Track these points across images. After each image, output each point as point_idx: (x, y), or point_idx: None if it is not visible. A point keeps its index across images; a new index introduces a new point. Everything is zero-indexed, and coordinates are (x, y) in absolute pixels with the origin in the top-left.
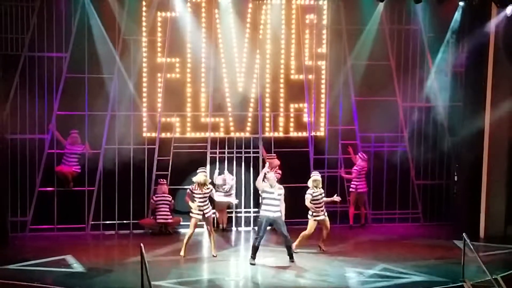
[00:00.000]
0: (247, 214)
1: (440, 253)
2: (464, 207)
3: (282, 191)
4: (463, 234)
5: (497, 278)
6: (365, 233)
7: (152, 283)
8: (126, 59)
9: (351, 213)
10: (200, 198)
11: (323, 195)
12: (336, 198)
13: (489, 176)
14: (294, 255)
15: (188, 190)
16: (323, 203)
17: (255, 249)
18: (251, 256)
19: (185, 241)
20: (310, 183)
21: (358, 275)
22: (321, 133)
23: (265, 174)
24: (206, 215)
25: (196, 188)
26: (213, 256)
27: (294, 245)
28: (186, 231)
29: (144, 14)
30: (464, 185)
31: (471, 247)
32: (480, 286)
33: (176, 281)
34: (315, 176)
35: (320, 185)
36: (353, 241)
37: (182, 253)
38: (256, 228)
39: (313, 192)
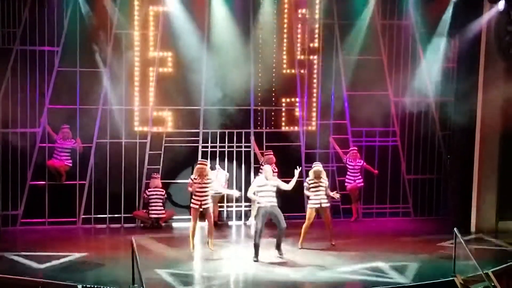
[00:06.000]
0: (238, 208)
1: (431, 248)
2: (455, 202)
3: (276, 183)
4: (454, 228)
5: (488, 273)
6: (356, 227)
7: (143, 276)
8: (118, 53)
9: (354, 208)
10: (199, 188)
11: (323, 185)
12: (335, 194)
13: (480, 171)
14: (283, 250)
15: (189, 180)
16: (322, 193)
17: (256, 247)
18: (255, 254)
19: (190, 235)
20: (310, 173)
21: (349, 270)
22: (312, 127)
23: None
24: (203, 206)
25: (196, 178)
26: (210, 250)
27: (299, 242)
28: (178, 225)
29: (136, 8)
30: (455, 179)
31: (462, 242)
32: (471, 281)
33: (167, 274)
34: (315, 167)
35: (322, 175)
36: (344, 235)
37: (191, 248)
38: (246, 222)
39: (309, 180)
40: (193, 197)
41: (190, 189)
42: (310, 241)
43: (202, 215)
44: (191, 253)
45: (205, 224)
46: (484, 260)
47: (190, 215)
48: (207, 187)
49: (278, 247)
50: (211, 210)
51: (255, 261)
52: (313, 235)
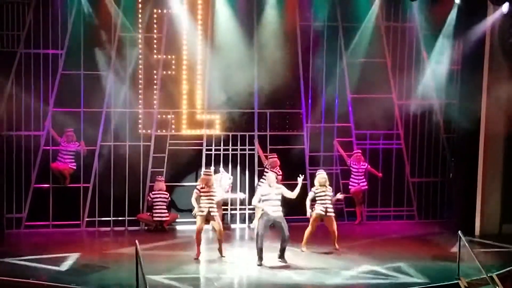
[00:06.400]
0: (242, 212)
1: (435, 251)
2: (460, 205)
3: (280, 190)
4: (459, 231)
5: (492, 276)
6: (360, 230)
7: (147, 279)
8: (122, 56)
9: (358, 211)
10: (206, 197)
11: (328, 192)
12: (339, 196)
13: (484, 174)
14: (286, 254)
15: (195, 190)
16: (328, 201)
17: (259, 251)
18: (258, 258)
19: (196, 241)
20: (316, 182)
21: (352, 273)
22: (316, 130)
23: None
24: (211, 214)
25: (204, 187)
26: (222, 257)
27: (302, 245)
28: (182, 228)
29: (140, 11)
30: (459, 182)
31: (467, 245)
32: (476, 284)
33: (171, 277)
34: (320, 175)
35: (326, 183)
36: (348, 238)
37: (196, 255)
38: (250, 225)
39: (315, 189)
40: (200, 205)
41: (195, 203)
42: (313, 244)
43: (207, 220)
44: (196, 258)
45: (209, 227)
46: (489, 263)
47: (196, 221)
48: (213, 196)
49: (281, 255)
50: (218, 217)
51: (258, 265)
52: (317, 238)
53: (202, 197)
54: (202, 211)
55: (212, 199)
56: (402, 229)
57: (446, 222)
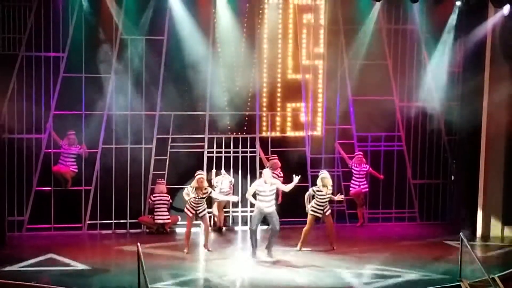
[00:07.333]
0: (244, 214)
1: (437, 252)
2: (461, 206)
3: (275, 186)
4: (460, 233)
5: (494, 277)
6: (362, 232)
7: (149, 282)
8: (123, 58)
9: (360, 213)
10: (195, 200)
11: (328, 195)
12: (339, 197)
13: (486, 175)
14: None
15: (186, 190)
16: (326, 203)
17: (254, 244)
18: (252, 252)
19: (185, 237)
20: (318, 182)
21: (355, 275)
22: (318, 132)
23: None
24: (199, 215)
25: (193, 191)
26: (205, 248)
27: (299, 244)
28: (183, 230)
29: (141, 12)
30: (461, 184)
31: (468, 246)
32: (477, 285)
33: (173, 280)
34: (323, 176)
35: (328, 184)
36: (350, 240)
37: (185, 250)
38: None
39: (317, 190)
40: (188, 205)
41: (186, 198)
42: (314, 245)
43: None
44: (192, 256)
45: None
46: (490, 264)
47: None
48: (202, 201)
49: (268, 247)
50: (207, 215)
51: (253, 257)
52: (318, 238)
53: (192, 199)
54: (190, 212)
55: (202, 203)
56: (404, 231)
57: (448, 224)
